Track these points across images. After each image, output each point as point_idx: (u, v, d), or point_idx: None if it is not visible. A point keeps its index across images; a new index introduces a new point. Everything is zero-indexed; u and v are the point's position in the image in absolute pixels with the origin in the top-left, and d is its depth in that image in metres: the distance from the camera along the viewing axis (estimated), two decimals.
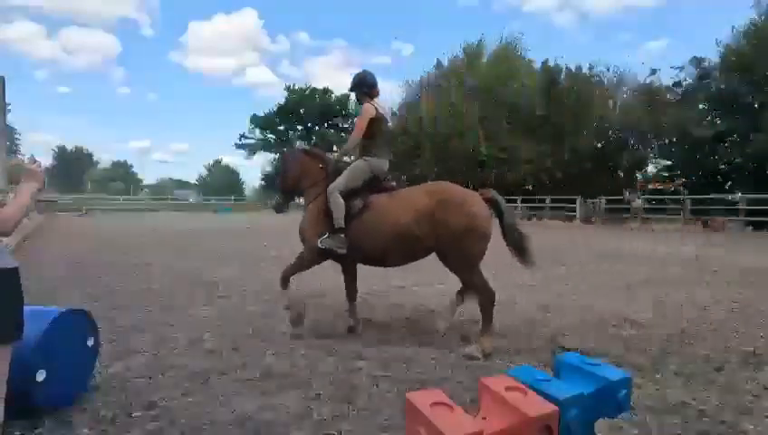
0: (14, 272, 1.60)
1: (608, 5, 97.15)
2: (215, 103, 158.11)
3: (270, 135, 44.17)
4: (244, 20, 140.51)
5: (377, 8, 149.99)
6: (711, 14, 76.29)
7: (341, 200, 3.26)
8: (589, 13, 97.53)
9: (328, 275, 6.12)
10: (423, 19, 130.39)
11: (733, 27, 20.75)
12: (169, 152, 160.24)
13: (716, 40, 21.37)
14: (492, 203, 3.25)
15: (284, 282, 3.44)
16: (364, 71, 3.63)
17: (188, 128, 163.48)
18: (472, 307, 4.34)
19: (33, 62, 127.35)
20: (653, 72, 25.20)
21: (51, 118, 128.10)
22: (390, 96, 31.78)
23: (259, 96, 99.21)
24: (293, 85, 43.70)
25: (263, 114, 43.42)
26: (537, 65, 27.25)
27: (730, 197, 19.82)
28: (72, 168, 73.74)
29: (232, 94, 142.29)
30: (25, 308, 2.02)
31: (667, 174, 24.76)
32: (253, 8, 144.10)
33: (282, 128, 43.81)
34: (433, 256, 3.28)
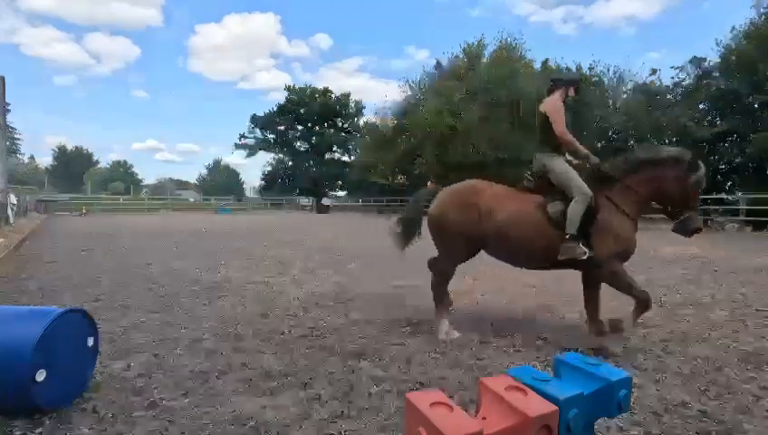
0: None
1: (609, 17, 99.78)
2: (226, 106, 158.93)
3: (270, 135, 44.16)
4: (260, 23, 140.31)
5: (392, 15, 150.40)
6: (712, 23, 78.39)
7: None
8: (591, 24, 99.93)
9: (328, 275, 6.13)
10: (436, 28, 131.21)
11: (733, 27, 20.78)
12: (176, 153, 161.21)
13: (716, 40, 21.41)
14: None
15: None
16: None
17: (199, 129, 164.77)
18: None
19: (51, 66, 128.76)
20: (653, 71, 25.25)
21: (68, 121, 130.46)
22: (391, 96, 31.74)
23: (271, 99, 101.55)
24: (294, 85, 43.72)
25: (263, 114, 43.43)
26: (537, 66, 27.29)
27: (730, 197, 19.84)
28: (71, 167, 73.77)
29: (243, 96, 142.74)
30: (25, 308, 2.01)
31: None
32: (270, 12, 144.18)
33: (282, 128, 43.79)
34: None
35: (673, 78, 23.88)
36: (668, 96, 23.98)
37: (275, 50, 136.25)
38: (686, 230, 3.21)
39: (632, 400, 2.08)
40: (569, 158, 3.51)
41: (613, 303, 3.80)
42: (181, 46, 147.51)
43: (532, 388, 1.41)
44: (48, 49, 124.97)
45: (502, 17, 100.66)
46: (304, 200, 44.28)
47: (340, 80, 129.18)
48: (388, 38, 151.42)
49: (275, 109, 43.03)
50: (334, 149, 44.50)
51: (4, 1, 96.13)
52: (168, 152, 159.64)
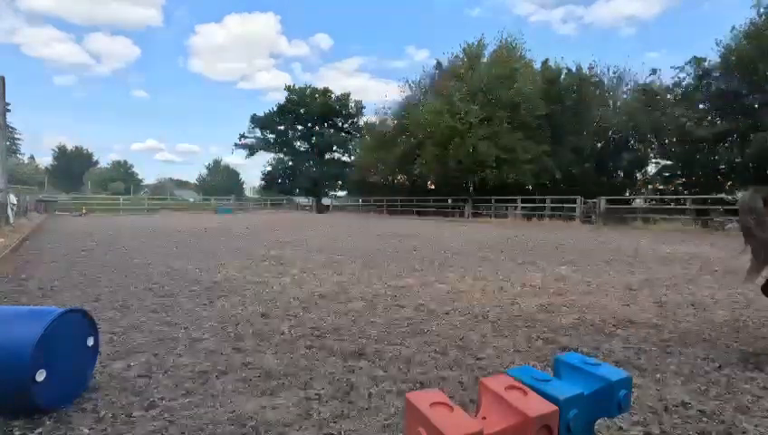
0: None
1: (609, 17, 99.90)
2: (226, 106, 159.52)
3: (270, 135, 44.19)
4: (260, 23, 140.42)
5: (392, 15, 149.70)
6: (712, 23, 78.79)
7: None
8: (591, 24, 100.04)
9: (328, 275, 6.13)
10: (436, 28, 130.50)
11: (733, 27, 20.80)
12: (176, 153, 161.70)
13: (716, 40, 21.43)
14: None
15: None
16: None
17: (199, 129, 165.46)
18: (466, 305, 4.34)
19: (51, 66, 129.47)
20: (653, 72, 25.27)
21: (68, 121, 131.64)
22: (391, 96, 31.83)
23: (271, 99, 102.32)
24: (294, 85, 43.74)
25: (263, 114, 43.45)
26: (537, 66, 27.33)
27: (730, 197, 19.86)
28: (71, 167, 73.83)
29: (243, 96, 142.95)
30: (25, 308, 2.01)
31: (667, 174, 24.81)
32: (270, 12, 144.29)
33: (282, 128, 43.82)
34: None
35: (673, 78, 23.90)
36: (668, 96, 23.99)
37: (275, 50, 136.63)
38: None
39: (632, 400, 2.08)
40: None
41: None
42: (181, 46, 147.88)
43: (532, 388, 1.41)
44: (48, 49, 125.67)
45: (502, 17, 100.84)
46: (304, 200, 44.31)
47: (340, 80, 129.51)
48: (388, 38, 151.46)
49: (275, 109, 43.06)
50: (334, 149, 44.52)
51: (5, 1, 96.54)
52: (168, 152, 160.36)
